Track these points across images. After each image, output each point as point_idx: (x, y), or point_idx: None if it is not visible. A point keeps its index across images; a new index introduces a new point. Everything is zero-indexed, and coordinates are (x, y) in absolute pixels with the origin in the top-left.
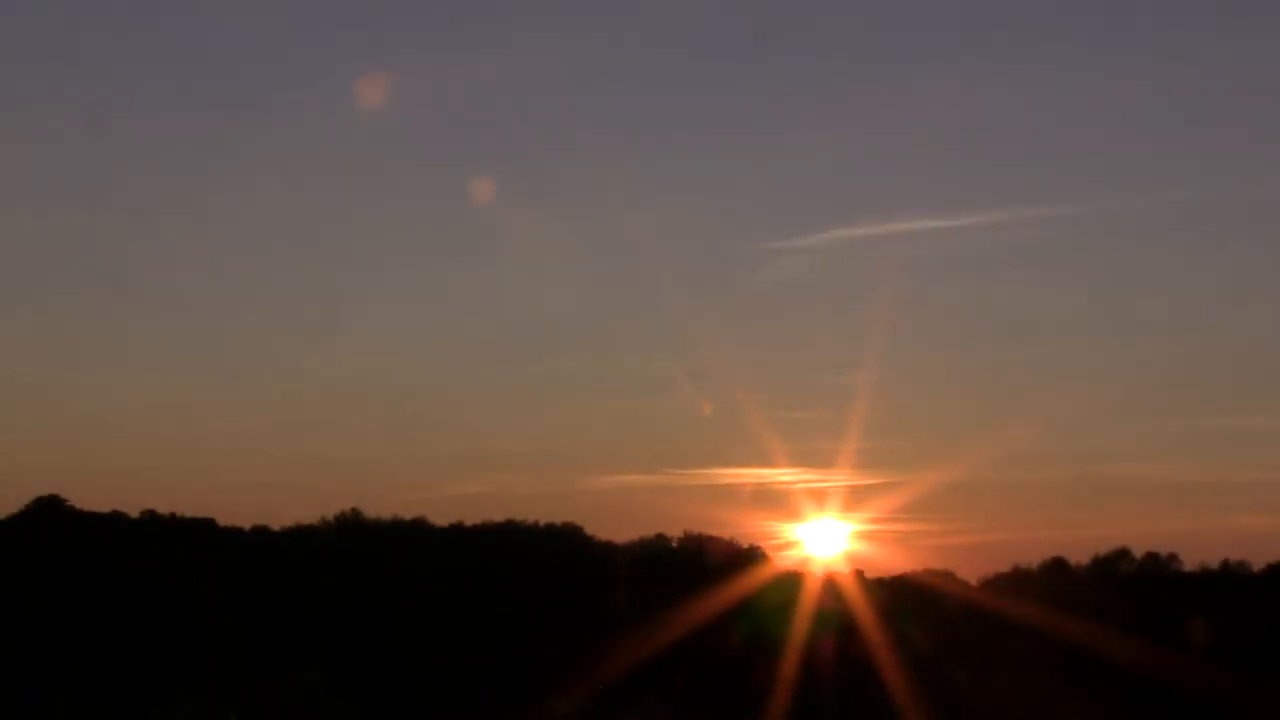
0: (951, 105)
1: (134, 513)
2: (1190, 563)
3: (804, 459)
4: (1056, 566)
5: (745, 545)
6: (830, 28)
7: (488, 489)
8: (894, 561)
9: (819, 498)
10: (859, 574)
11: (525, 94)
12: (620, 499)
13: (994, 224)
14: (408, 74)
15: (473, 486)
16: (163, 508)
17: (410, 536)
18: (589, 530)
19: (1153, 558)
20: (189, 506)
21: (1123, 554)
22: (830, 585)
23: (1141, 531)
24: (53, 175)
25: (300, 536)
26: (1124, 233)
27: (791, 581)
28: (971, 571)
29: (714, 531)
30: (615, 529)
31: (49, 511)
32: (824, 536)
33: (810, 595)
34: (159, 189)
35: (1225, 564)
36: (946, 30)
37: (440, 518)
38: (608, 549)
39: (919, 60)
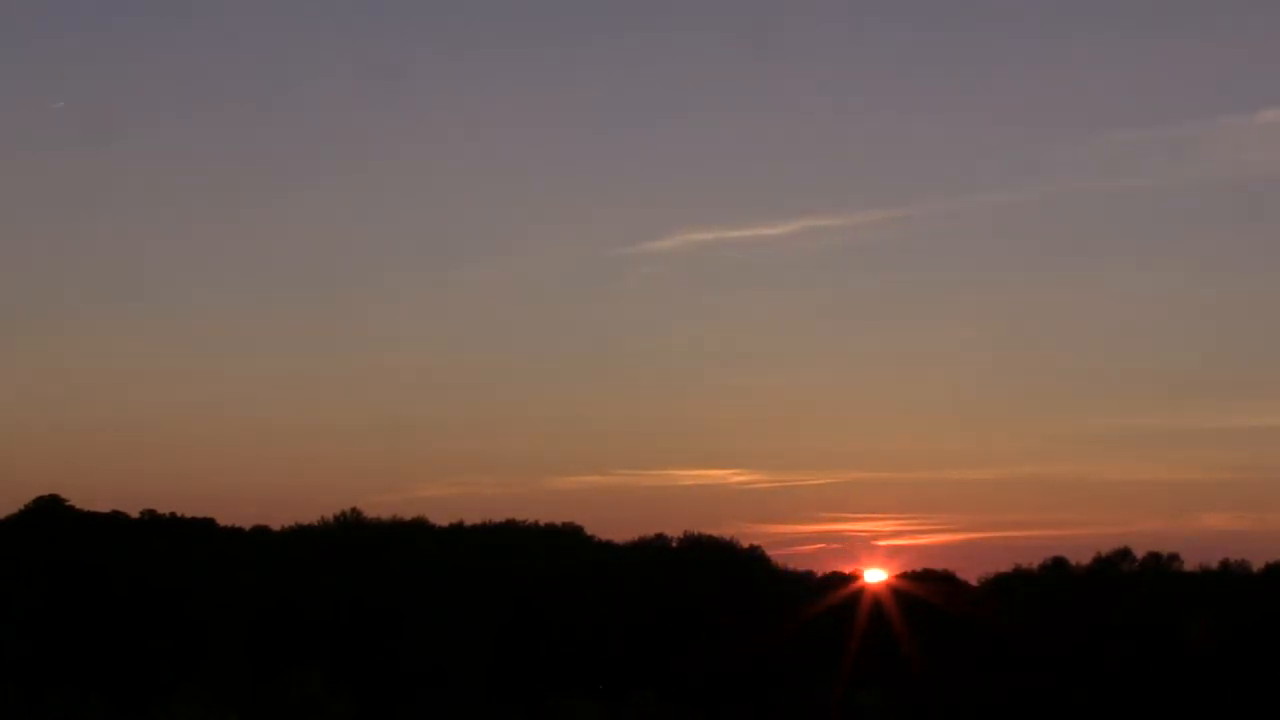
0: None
1: (134, 513)
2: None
3: (757, 460)
4: (1056, 566)
5: (746, 545)
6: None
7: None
8: (891, 563)
9: (799, 499)
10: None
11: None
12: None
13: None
14: None
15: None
16: (163, 508)
17: (410, 536)
18: (589, 530)
19: (1154, 557)
20: (189, 506)
21: (1123, 554)
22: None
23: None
24: (53, 179)
25: (300, 536)
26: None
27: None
28: (971, 572)
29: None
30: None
31: (49, 511)
32: (821, 541)
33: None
34: (159, 193)
35: (1225, 563)
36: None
37: (435, 519)
38: (607, 549)
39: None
